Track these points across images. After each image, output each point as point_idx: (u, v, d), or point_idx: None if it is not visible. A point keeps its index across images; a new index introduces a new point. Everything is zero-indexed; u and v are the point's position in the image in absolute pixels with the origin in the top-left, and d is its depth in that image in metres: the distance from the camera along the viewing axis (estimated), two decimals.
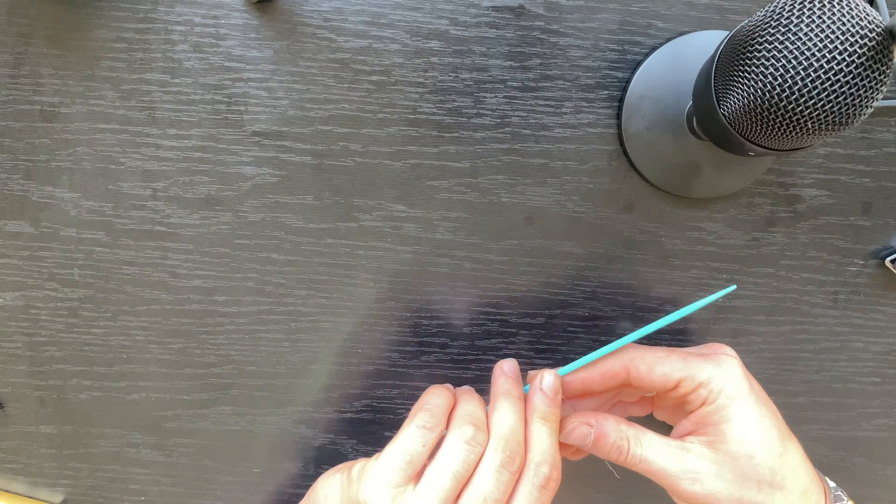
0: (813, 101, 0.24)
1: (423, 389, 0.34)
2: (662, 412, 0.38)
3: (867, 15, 0.23)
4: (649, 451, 0.32)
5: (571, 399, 0.35)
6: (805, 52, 0.24)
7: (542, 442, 0.31)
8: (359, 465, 0.33)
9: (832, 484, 0.33)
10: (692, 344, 0.42)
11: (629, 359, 0.33)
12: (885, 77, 0.24)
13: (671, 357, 0.32)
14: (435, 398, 0.33)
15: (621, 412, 0.39)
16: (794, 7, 0.24)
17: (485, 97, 0.38)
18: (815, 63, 0.24)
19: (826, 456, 0.45)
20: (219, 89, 0.37)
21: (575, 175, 0.39)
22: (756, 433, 0.31)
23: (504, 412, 0.31)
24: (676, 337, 0.42)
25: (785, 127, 0.26)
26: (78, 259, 0.40)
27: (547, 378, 0.33)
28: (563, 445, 0.34)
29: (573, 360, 0.34)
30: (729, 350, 0.34)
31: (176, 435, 0.43)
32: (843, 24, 0.23)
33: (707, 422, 0.31)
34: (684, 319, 0.42)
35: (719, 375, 0.31)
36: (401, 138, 0.38)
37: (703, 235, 0.40)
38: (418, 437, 0.30)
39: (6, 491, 0.45)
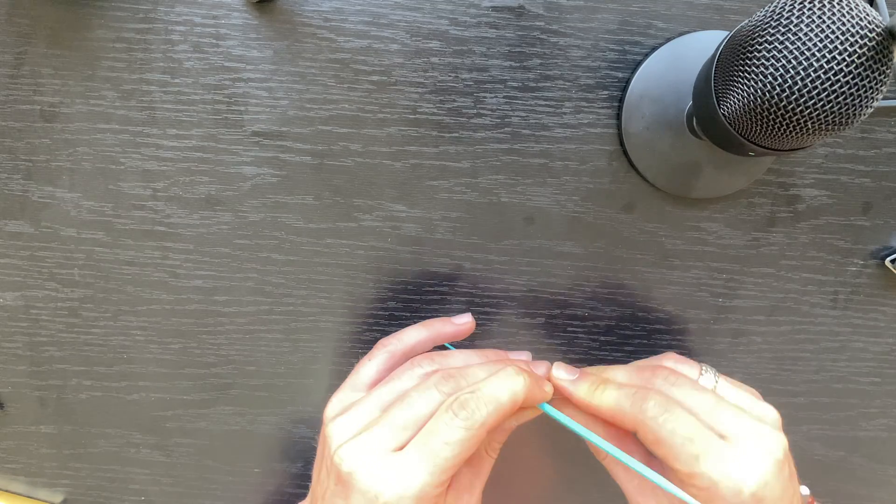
0: (813, 101, 0.24)
1: None
2: None
3: (867, 15, 0.23)
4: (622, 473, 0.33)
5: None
6: (805, 52, 0.24)
7: (490, 378, 0.30)
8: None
9: None
10: (692, 343, 0.42)
11: (640, 420, 0.30)
12: (885, 77, 0.24)
13: (685, 446, 0.28)
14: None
15: None
16: (794, 7, 0.24)
17: (485, 97, 0.38)
18: (815, 63, 0.24)
19: (826, 456, 0.45)
20: (219, 89, 0.37)
21: (575, 175, 0.39)
22: None
23: (466, 354, 0.33)
24: (676, 337, 0.42)
25: (785, 127, 0.26)
26: (78, 259, 0.40)
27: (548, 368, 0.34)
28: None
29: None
30: (770, 438, 0.29)
31: (176, 435, 0.43)
32: (843, 24, 0.23)
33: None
34: (684, 319, 0.42)
35: (731, 484, 0.27)
36: (401, 138, 0.38)
37: (703, 235, 0.40)
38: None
39: (6, 491, 0.45)
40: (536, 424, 0.35)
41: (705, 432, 0.29)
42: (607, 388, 0.32)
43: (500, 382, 0.30)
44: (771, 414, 0.31)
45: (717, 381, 0.33)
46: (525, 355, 0.36)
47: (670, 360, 0.34)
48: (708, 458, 0.28)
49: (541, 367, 0.34)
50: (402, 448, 0.28)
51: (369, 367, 0.35)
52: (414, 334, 0.36)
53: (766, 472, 0.28)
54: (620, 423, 0.31)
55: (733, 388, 0.32)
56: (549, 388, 0.33)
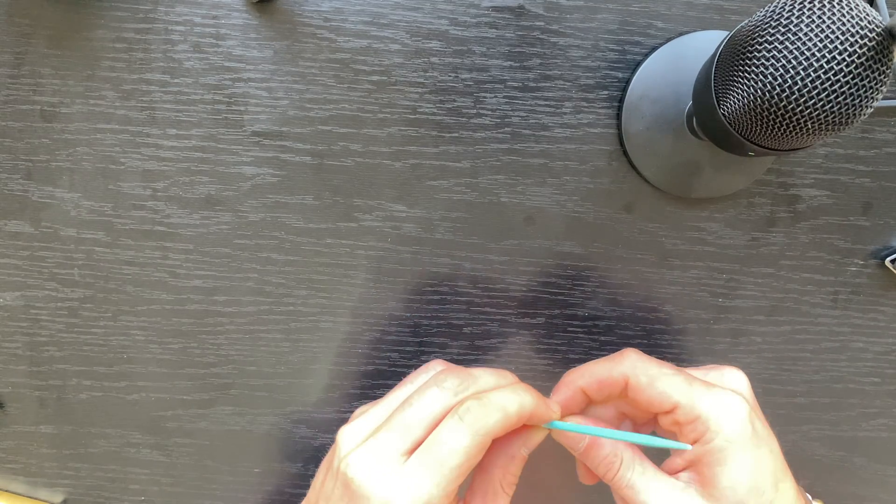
0: (813, 101, 0.24)
1: None
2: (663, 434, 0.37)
3: (867, 15, 0.23)
4: (640, 479, 0.30)
5: (574, 414, 0.33)
6: (805, 52, 0.24)
7: (499, 389, 0.30)
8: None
9: None
10: (692, 343, 0.42)
11: (631, 366, 0.31)
12: (885, 77, 0.24)
13: (675, 376, 0.30)
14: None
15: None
16: (794, 7, 0.24)
17: (485, 97, 0.38)
18: (815, 63, 0.24)
19: (826, 456, 0.45)
20: (219, 89, 0.37)
21: (575, 175, 0.39)
22: (749, 479, 0.29)
23: (482, 370, 0.32)
24: (676, 337, 0.42)
25: (785, 127, 0.26)
26: (78, 259, 0.40)
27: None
28: (585, 470, 0.33)
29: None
30: (739, 379, 0.32)
31: (176, 435, 0.43)
32: (843, 24, 0.23)
33: (701, 461, 0.30)
34: (684, 319, 0.42)
35: (721, 413, 0.29)
36: (401, 138, 0.38)
37: (703, 235, 0.40)
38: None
39: (6, 491, 0.45)
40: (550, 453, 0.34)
41: (684, 373, 0.31)
42: (582, 367, 0.33)
43: (508, 393, 0.30)
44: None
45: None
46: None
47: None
48: (699, 390, 0.30)
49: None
50: (410, 451, 0.28)
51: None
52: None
53: (745, 398, 0.30)
54: (610, 387, 0.32)
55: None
56: (556, 408, 0.32)
